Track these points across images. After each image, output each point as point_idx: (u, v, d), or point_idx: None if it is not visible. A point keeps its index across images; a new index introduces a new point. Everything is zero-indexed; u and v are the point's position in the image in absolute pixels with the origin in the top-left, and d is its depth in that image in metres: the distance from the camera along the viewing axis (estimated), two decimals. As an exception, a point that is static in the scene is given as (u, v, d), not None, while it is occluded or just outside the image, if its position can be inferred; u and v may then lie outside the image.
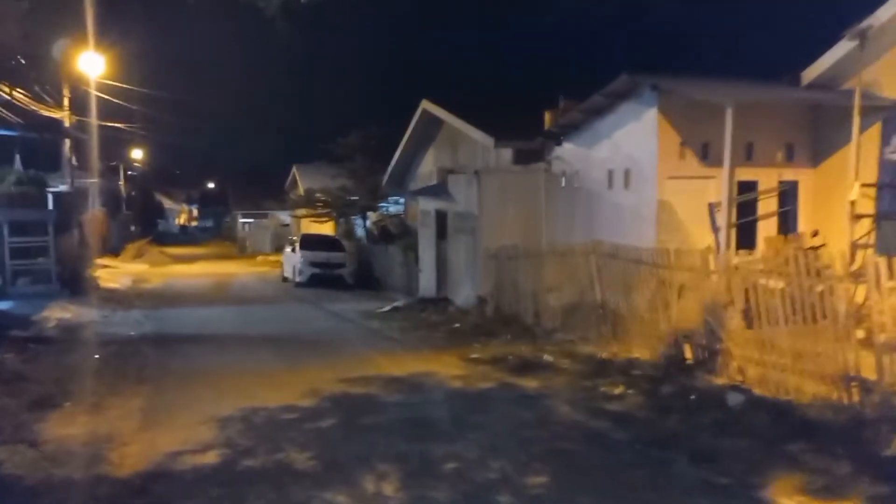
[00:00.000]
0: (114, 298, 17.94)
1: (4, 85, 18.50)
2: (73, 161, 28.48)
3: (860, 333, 7.05)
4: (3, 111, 19.73)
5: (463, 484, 5.40)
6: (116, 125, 34.95)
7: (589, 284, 11.14)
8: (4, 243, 16.33)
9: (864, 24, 10.66)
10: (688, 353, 8.91)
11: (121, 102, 31.49)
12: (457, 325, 13.63)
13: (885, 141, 10.90)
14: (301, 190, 35.46)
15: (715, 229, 11.71)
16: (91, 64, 29.38)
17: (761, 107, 11.78)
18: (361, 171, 27.28)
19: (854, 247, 10.38)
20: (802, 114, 12.35)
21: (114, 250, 35.05)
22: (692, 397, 7.67)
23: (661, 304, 9.39)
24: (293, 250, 24.72)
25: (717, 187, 11.34)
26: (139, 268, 29.62)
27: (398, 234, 24.07)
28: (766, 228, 12.20)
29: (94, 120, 30.78)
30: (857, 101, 10.41)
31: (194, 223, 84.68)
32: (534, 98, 17.43)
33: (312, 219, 31.57)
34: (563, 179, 14.66)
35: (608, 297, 10.66)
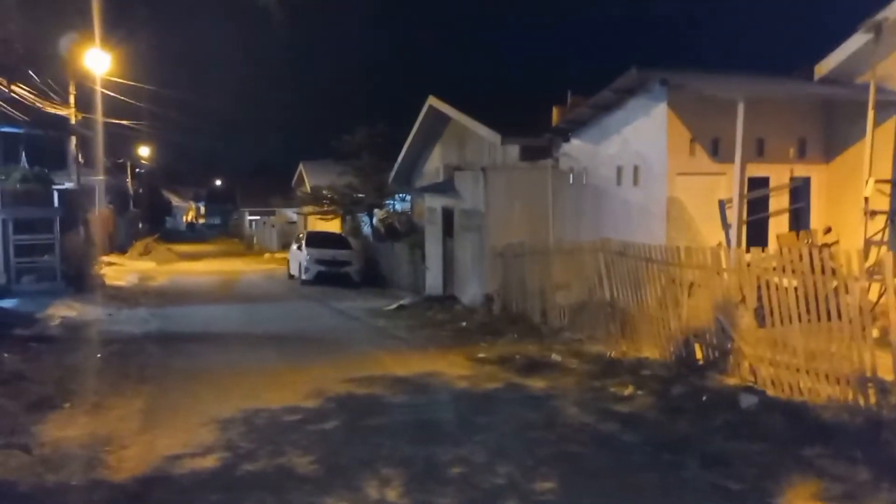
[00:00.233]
0: (119, 296, 17.87)
1: (7, 81, 18.47)
2: (80, 158, 28.51)
3: (875, 333, 6.88)
4: (8, 108, 19.70)
5: (469, 489, 5.25)
6: (123, 122, 34.99)
7: (597, 282, 10.98)
8: (9, 241, 16.27)
9: (880, 16, 10.47)
10: (698, 353, 8.75)
11: (127, 100, 31.50)
12: (463, 323, 13.49)
13: (900, 136, 10.71)
14: (308, 187, 35.38)
15: (726, 226, 11.53)
16: (97, 61, 29.39)
17: (773, 101, 11.60)
18: (368, 168, 27.17)
19: (868, 244, 10.19)
20: (815, 108, 12.15)
21: (121, 248, 35.08)
22: (703, 398, 7.50)
23: (671, 303, 9.22)
24: (299, 248, 24.64)
25: (727, 184, 11.18)
26: (146, 265, 29.59)
27: (405, 231, 23.95)
28: (778, 225, 12.02)
29: (99, 117, 30.79)
30: (871, 96, 10.22)
31: (202, 221, 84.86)
32: (541, 94, 17.29)
33: (319, 216, 31.49)
34: (571, 176, 14.49)
35: (617, 296, 10.49)
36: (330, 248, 23.99)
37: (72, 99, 27.61)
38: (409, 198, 26.79)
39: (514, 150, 17.00)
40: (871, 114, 10.26)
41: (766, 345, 7.76)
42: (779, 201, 12.10)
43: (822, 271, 7.10)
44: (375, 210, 28.56)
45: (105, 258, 25.81)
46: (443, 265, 17.88)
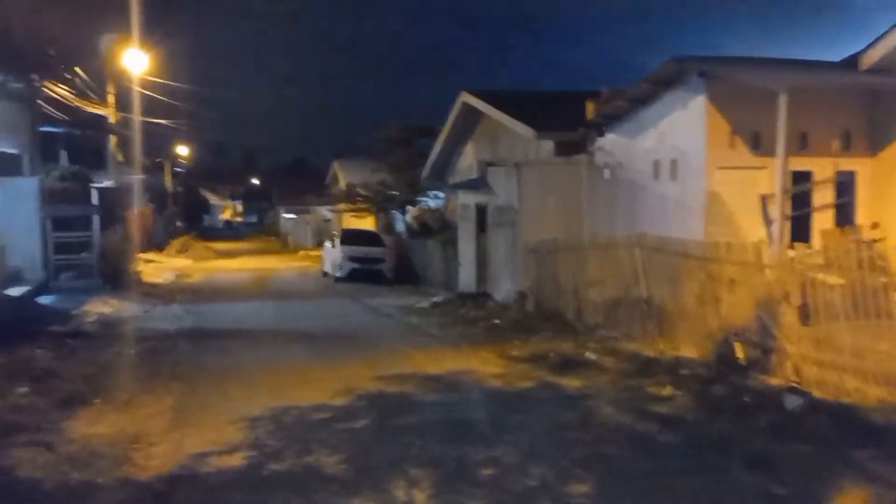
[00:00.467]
0: (155, 293, 18.03)
1: (49, 82, 18.77)
2: (119, 157, 28.95)
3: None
4: (49, 108, 20.03)
5: (500, 492, 5.08)
6: (161, 122, 35.48)
7: (633, 279, 10.72)
8: (48, 238, 16.49)
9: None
10: (739, 352, 8.45)
11: (166, 99, 31.92)
12: (496, 320, 13.32)
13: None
14: (342, 185, 35.50)
15: (767, 222, 11.18)
16: (135, 61, 29.80)
17: (817, 92, 11.21)
18: (401, 165, 27.14)
19: (918, 239, 9.79)
20: (860, 100, 11.73)
21: (159, 245, 35.53)
22: (745, 399, 7.24)
23: (710, 300, 8.94)
24: (333, 245, 24.70)
25: (769, 178, 10.84)
26: (183, 262, 29.93)
27: (437, 228, 23.84)
28: (822, 221, 11.62)
29: (137, 116, 31.24)
30: (921, 85, 9.80)
31: (238, 219, 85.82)
32: (575, 88, 17.03)
33: (353, 213, 31.57)
34: (606, 171, 14.23)
35: (653, 292, 10.22)
36: (363, 245, 24.00)
37: (110, 98, 28.05)
38: (442, 194, 26.68)
39: (547, 146, 16.75)
40: (920, 104, 9.84)
41: (811, 344, 7.48)
42: (822, 196, 11.70)
43: (870, 268, 6.80)
44: (408, 207, 28.51)
45: (143, 255, 26.15)
46: (476, 262, 17.74)
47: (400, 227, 28.80)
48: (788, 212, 10.50)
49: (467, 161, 22.66)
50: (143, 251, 28.29)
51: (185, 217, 54.13)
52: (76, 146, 24.32)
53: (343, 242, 24.02)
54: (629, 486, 5.28)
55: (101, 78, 26.61)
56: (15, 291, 13.90)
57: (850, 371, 6.95)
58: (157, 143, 40.64)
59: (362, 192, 29.24)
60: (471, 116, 21.56)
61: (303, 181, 50.57)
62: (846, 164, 11.66)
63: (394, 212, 29.45)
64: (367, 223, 31.31)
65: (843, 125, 11.62)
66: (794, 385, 7.42)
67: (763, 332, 8.12)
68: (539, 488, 5.17)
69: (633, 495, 5.13)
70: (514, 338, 11.32)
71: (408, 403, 7.47)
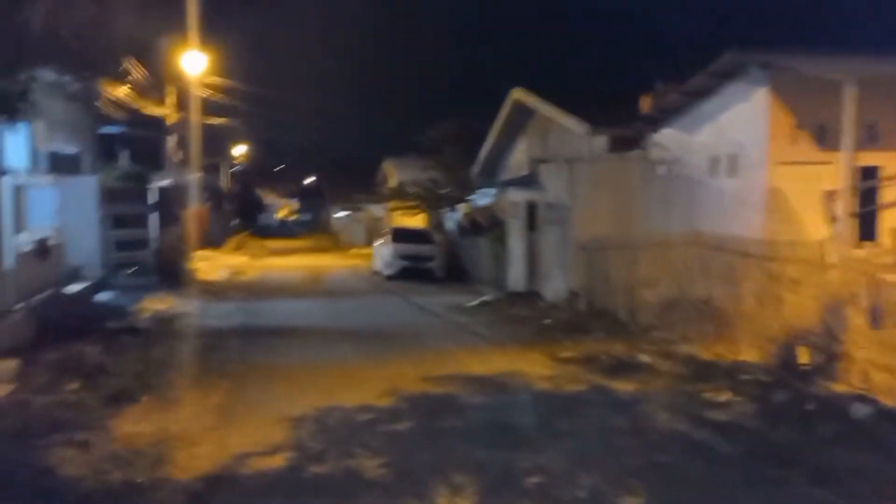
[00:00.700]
0: (210, 290, 18.27)
1: (110, 83, 19.21)
2: (176, 157, 29.59)
3: None
4: (110, 109, 20.53)
5: (548, 502, 4.87)
6: (218, 122, 36.15)
7: (689, 278, 10.34)
8: (106, 236, 16.86)
9: None
10: (802, 357, 8.03)
11: (223, 100, 32.51)
12: (546, 320, 13.05)
13: None
14: (393, 183, 35.57)
15: (831, 219, 10.66)
16: (193, 61, 30.40)
17: (886, 83, 10.62)
18: (451, 162, 26.99)
19: None
20: (935, 90, 11.08)
21: (215, 243, 36.19)
22: (809, 407, 6.86)
23: (771, 301, 8.53)
24: (383, 243, 24.70)
25: (834, 173, 10.36)
26: (238, 260, 30.39)
27: (488, 226, 23.61)
28: (891, 219, 11.04)
29: (195, 117, 31.86)
30: None
31: (293, 217, 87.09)
32: (629, 83, 16.64)
33: (403, 211, 31.59)
34: (661, 167, 13.83)
35: (711, 293, 9.83)
36: (413, 243, 23.93)
37: (169, 99, 28.67)
38: (492, 192, 26.46)
39: (600, 142, 16.40)
40: None
41: (880, 348, 7.04)
42: (892, 193, 11.11)
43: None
44: (459, 205, 28.36)
45: (199, 253, 26.61)
46: (526, 260, 17.50)
47: (450, 225, 28.67)
48: (855, 209, 10.01)
49: (518, 158, 22.43)
50: (200, 249, 28.81)
51: (241, 215, 55.10)
52: (136, 146, 24.88)
53: (393, 240, 24.00)
54: (685, 498, 5.02)
55: (161, 78, 27.20)
56: (73, 288, 14.23)
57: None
58: (214, 143, 41.42)
59: (413, 189, 29.22)
60: (522, 113, 21.31)
61: (355, 180, 50.87)
62: (918, 158, 11.07)
63: (444, 210, 29.34)
64: (418, 221, 31.28)
65: (915, 117, 11.03)
66: (862, 392, 7.00)
67: (828, 335, 7.69)
68: (589, 499, 4.94)
69: (688, 508, 4.87)
70: (564, 338, 11.05)
71: (453, 405, 7.29)
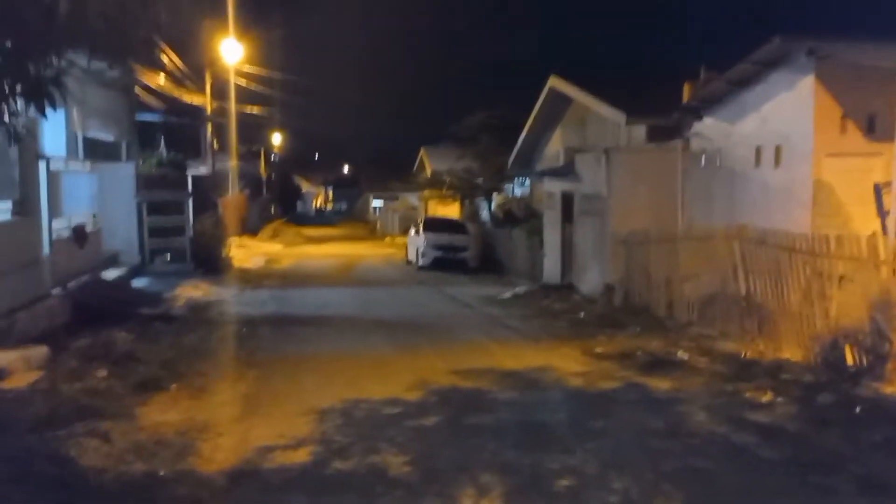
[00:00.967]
0: (245, 277, 18.35)
1: (148, 71, 19.34)
2: (215, 145, 29.85)
3: None
4: (149, 97, 20.70)
5: (577, 506, 4.68)
6: (255, 111, 36.36)
7: (731, 273, 10.00)
8: (144, 223, 17.01)
9: None
10: (849, 357, 7.68)
11: (260, 89, 32.66)
12: (581, 314, 12.79)
13: None
14: (428, 172, 35.47)
15: (882, 213, 10.23)
16: (231, 51, 30.56)
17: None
18: (487, 152, 26.78)
19: None
20: None
21: (252, 230, 36.50)
22: (856, 410, 6.53)
23: (817, 298, 8.18)
24: (417, 233, 24.58)
25: (885, 165, 9.95)
26: (274, 248, 30.56)
27: (523, 217, 23.37)
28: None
29: (232, 106, 32.07)
30: None
31: (329, 206, 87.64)
32: (669, 71, 16.21)
33: (438, 201, 31.46)
34: (703, 158, 13.43)
35: (754, 288, 9.49)
36: (447, 233, 23.76)
37: (208, 88, 28.90)
38: (528, 182, 26.16)
39: (639, 131, 16.03)
40: None
41: (935, 350, 6.68)
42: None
43: None
44: (494, 195, 28.13)
45: (236, 240, 26.80)
46: (561, 252, 17.21)
47: (485, 215, 28.45)
48: (909, 203, 9.56)
49: (555, 148, 22.11)
50: (237, 236, 29.04)
51: (278, 203, 55.53)
52: (174, 134, 25.10)
53: (426, 230, 23.84)
54: (723, 506, 4.77)
55: (199, 67, 27.41)
56: (111, 274, 14.38)
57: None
58: (252, 132, 41.75)
59: (448, 179, 29.05)
60: (559, 101, 20.99)
61: (391, 168, 50.95)
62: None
63: (479, 199, 29.14)
64: (452, 211, 31.14)
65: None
66: (915, 396, 6.66)
67: (877, 334, 7.33)
68: None
69: (726, 516, 4.63)
70: (599, 333, 10.79)
71: (482, 401, 7.11)
